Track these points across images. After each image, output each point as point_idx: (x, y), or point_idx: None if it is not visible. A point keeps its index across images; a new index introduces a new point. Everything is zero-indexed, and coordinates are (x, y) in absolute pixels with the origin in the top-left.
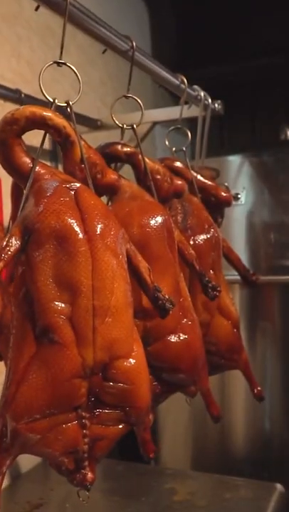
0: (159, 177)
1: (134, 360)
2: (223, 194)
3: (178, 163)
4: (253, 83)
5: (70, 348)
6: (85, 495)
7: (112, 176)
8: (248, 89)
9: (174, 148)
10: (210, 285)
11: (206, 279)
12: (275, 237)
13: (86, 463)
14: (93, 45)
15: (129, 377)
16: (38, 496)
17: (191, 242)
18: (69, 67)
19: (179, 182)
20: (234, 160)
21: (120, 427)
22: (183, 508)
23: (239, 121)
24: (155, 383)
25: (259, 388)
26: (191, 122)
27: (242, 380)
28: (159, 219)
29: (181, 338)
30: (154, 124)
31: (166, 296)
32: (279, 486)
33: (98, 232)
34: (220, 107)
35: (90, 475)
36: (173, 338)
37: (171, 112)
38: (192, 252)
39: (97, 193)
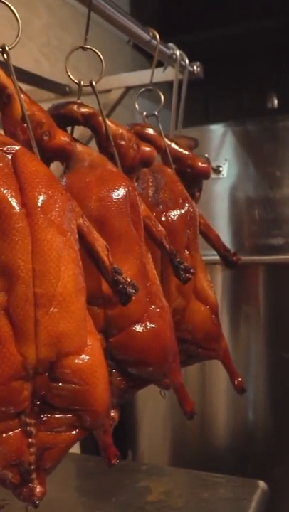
0: (123, 143)
1: (88, 357)
2: (201, 164)
3: (149, 130)
4: (240, 49)
5: (7, 345)
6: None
7: (62, 138)
8: (235, 56)
9: (144, 113)
10: (182, 266)
11: (178, 259)
12: (259, 214)
13: (34, 475)
14: (63, 8)
15: (82, 377)
16: (1, 496)
17: (163, 219)
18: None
19: (147, 149)
20: (216, 129)
21: (74, 433)
22: (155, 510)
23: (226, 91)
24: (119, 378)
25: (240, 379)
26: (171, 87)
27: (224, 368)
28: (121, 191)
29: (149, 327)
30: (128, 89)
31: (128, 280)
32: (262, 484)
33: (40, 204)
34: (199, 69)
35: (38, 489)
36: (139, 328)
37: (147, 76)
38: (161, 229)
39: (44, 159)
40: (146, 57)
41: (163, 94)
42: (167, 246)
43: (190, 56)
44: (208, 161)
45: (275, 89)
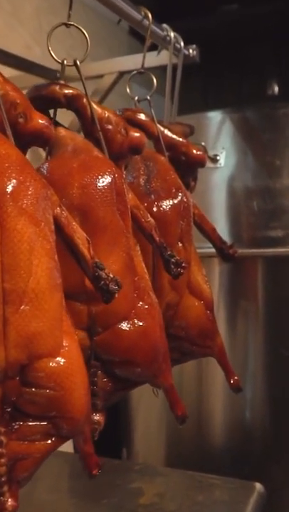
0: (110, 127)
1: (64, 359)
2: (196, 152)
3: (141, 115)
4: (239, 35)
5: None
6: None
7: (39, 120)
8: (235, 42)
9: (136, 98)
10: (173, 260)
11: (168, 252)
12: (258, 205)
13: (5, 488)
14: None
15: (57, 381)
16: None
17: (155, 209)
18: None
19: (136, 134)
20: (213, 117)
21: (49, 442)
22: None
23: (225, 78)
24: (105, 380)
25: (236, 378)
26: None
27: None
28: (106, 178)
29: (136, 325)
30: (121, 74)
31: (111, 275)
32: (258, 486)
33: (9, 191)
34: (195, 52)
35: (10, 502)
36: (125, 326)
37: (141, 60)
38: (151, 220)
39: (20, 144)
40: (143, 43)
41: (158, 80)
42: (157, 238)
43: (188, 42)
44: (204, 149)
45: (276, 76)
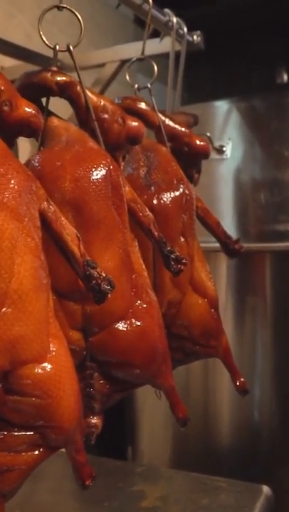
0: (106, 116)
1: (50, 365)
2: (199, 143)
3: (141, 104)
4: (248, 23)
5: None
6: None
7: (26, 109)
8: (244, 31)
9: (136, 86)
10: (173, 256)
11: (168, 248)
12: (265, 197)
13: None
14: None
15: (44, 389)
16: None
17: (155, 202)
18: None
19: (134, 123)
20: (219, 106)
21: (36, 453)
22: None
23: (235, 67)
24: (102, 382)
25: (242, 379)
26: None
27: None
28: (101, 170)
29: (134, 325)
30: (123, 62)
31: (103, 274)
32: (266, 489)
33: None
34: (199, 38)
35: None
36: (122, 326)
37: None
38: (149, 214)
39: (5, 134)
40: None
41: (161, 68)
42: (156, 233)
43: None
44: (209, 139)
45: (285, 64)
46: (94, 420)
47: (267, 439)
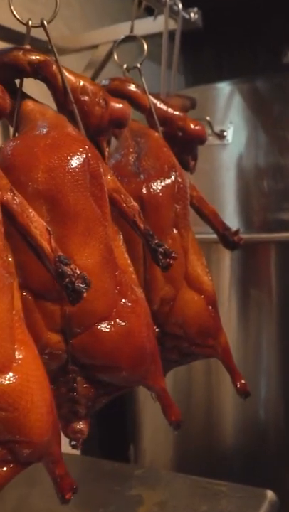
0: (86, 98)
1: (16, 375)
2: (193, 127)
3: (131, 86)
4: (254, 2)
5: None
6: None
7: None
8: (249, 9)
9: (125, 66)
10: (161, 250)
11: (155, 241)
12: (269, 185)
13: None
14: None
15: (8, 401)
16: None
17: (144, 191)
18: None
19: (118, 105)
20: (220, 88)
21: (5, 469)
22: None
23: (240, 47)
24: (86, 385)
25: (243, 381)
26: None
27: (234, 358)
28: (77, 158)
29: (118, 325)
30: (117, 43)
31: (77, 271)
32: (270, 494)
33: None
34: (196, 16)
35: None
36: (106, 326)
37: (139, 28)
38: (134, 204)
39: None
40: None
41: (158, 48)
42: (142, 225)
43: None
44: (209, 124)
45: None
46: (79, 426)
47: (273, 440)
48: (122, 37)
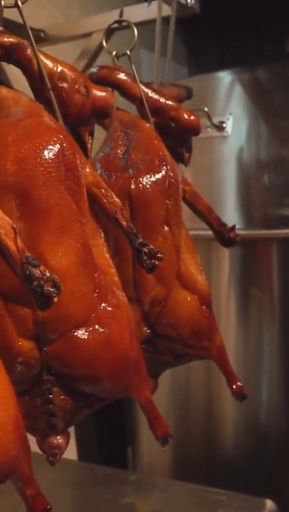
0: (65, 85)
1: None
2: (187, 117)
3: (120, 74)
4: None
5: None
6: None
7: None
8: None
9: (114, 53)
10: (145, 250)
11: (139, 240)
12: (270, 178)
13: None
14: None
15: None
16: None
17: (133, 186)
18: None
19: (100, 93)
20: (220, 78)
21: None
22: None
23: (244, 36)
24: (63, 397)
25: (239, 384)
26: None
27: (234, 360)
28: (50, 149)
29: (97, 331)
30: (111, 30)
31: (47, 274)
32: (269, 504)
33: None
34: (193, 1)
35: None
36: (83, 333)
37: (134, 14)
38: (115, 200)
39: None
40: None
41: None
42: (124, 223)
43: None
44: (208, 115)
45: None
46: (56, 440)
47: (274, 444)
48: (111, 22)
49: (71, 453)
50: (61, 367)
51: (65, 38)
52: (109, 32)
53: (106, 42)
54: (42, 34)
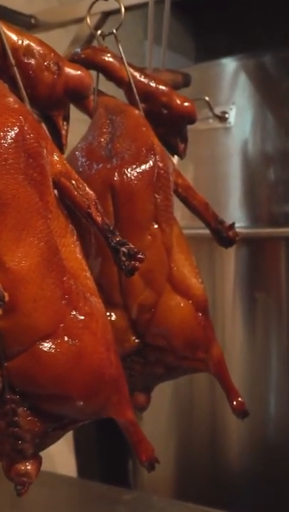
0: (32, 61)
1: None
2: (180, 102)
3: (106, 55)
4: None
5: None
6: None
7: None
8: None
9: (99, 32)
10: (123, 250)
11: (117, 239)
12: (276, 173)
13: None
14: None
15: None
16: None
17: (116, 178)
18: None
19: (74, 71)
20: (221, 64)
21: None
22: None
23: (254, 21)
24: (30, 418)
25: (240, 399)
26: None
27: (240, 370)
28: (7, 132)
29: (66, 344)
30: (105, 14)
31: None
32: None
33: None
34: None
35: None
36: (49, 346)
37: None
38: (89, 192)
39: None
40: None
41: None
42: (98, 219)
43: None
44: (208, 104)
45: None
46: (24, 467)
47: (282, 460)
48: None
49: (70, 464)
50: (25, 385)
51: (57, 24)
52: (104, 17)
53: (90, 20)
54: (33, 20)
